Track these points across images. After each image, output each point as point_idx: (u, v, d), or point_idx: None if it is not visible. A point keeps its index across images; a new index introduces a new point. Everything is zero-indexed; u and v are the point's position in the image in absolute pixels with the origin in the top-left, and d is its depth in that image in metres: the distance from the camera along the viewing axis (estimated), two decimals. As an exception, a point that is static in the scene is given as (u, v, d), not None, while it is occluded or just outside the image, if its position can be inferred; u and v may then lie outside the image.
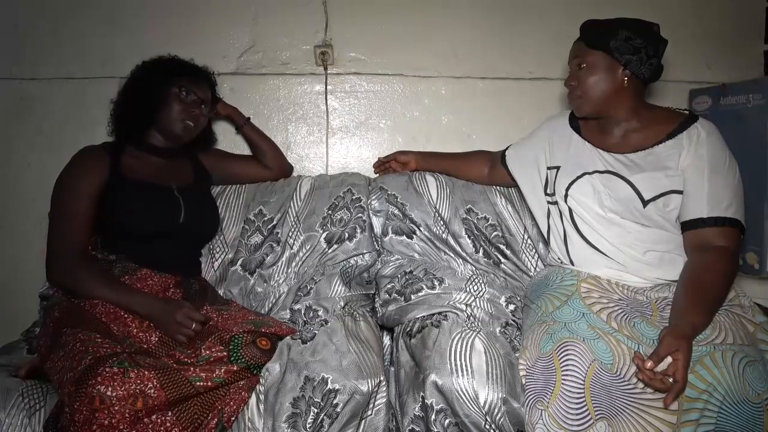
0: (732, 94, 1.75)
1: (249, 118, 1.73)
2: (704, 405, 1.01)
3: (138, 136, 1.47)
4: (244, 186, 1.72)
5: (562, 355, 1.10)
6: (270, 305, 1.56)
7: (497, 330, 1.34)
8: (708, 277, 1.16)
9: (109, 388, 1.01)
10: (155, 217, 1.40)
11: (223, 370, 1.16)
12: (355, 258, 1.63)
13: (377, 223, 1.67)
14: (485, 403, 1.13)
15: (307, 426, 1.14)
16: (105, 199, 1.36)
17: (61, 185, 1.36)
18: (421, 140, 1.95)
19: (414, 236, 1.64)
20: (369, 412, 1.19)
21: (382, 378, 1.20)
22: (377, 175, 1.84)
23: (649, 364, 1.01)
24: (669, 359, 1.02)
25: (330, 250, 1.63)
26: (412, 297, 1.46)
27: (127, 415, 1.01)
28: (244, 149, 1.84)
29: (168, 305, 1.26)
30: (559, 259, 1.41)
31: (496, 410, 1.13)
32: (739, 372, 1.03)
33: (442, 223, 1.64)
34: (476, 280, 1.53)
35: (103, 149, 1.43)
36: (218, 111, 1.67)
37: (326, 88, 1.93)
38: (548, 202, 1.43)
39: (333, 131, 1.95)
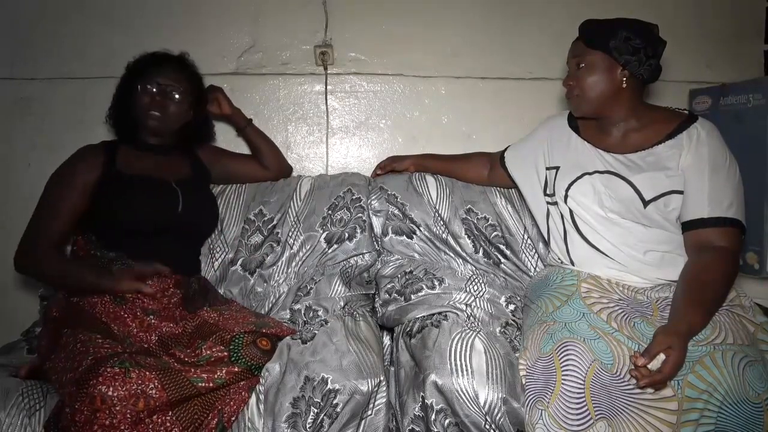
0: (732, 94, 1.75)
1: (251, 120, 1.72)
2: (704, 405, 1.01)
3: (129, 136, 1.48)
4: (244, 186, 1.72)
5: (563, 355, 1.10)
6: (270, 305, 1.56)
7: (497, 330, 1.34)
8: (708, 277, 1.16)
9: (111, 388, 1.00)
10: (153, 208, 1.39)
11: (224, 371, 1.16)
12: (355, 258, 1.63)
13: (377, 223, 1.67)
14: (485, 403, 1.13)
15: (307, 426, 1.14)
16: (101, 194, 1.37)
17: (51, 179, 1.39)
18: (421, 140, 1.95)
19: (414, 236, 1.64)
20: (369, 412, 1.19)
21: (382, 378, 1.20)
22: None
23: (641, 361, 1.01)
24: (662, 356, 1.02)
25: (330, 250, 1.63)
26: (412, 297, 1.46)
27: (128, 415, 1.01)
28: (244, 148, 1.84)
29: (113, 281, 1.29)
30: (559, 259, 1.41)
31: (496, 410, 1.13)
32: (739, 372, 1.03)
33: (442, 223, 1.64)
34: (476, 280, 1.53)
35: (100, 147, 1.44)
36: (220, 108, 1.65)
37: (326, 88, 1.93)
38: (548, 203, 1.43)
39: (333, 131, 1.95)
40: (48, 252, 1.33)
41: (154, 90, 1.45)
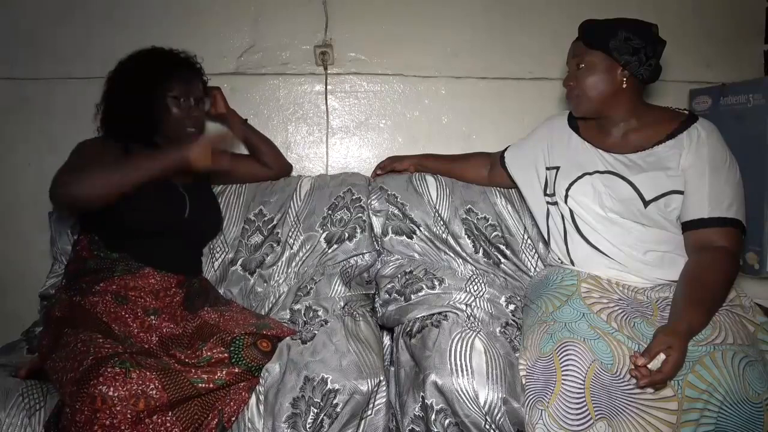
0: (732, 94, 1.75)
1: (246, 120, 1.71)
2: (704, 405, 1.01)
3: (145, 140, 1.44)
4: (244, 186, 1.72)
5: (562, 355, 1.10)
6: (270, 305, 1.56)
7: (497, 330, 1.34)
8: (708, 277, 1.16)
9: (111, 388, 1.01)
10: (161, 212, 1.39)
11: (224, 372, 1.16)
12: (355, 258, 1.63)
13: (377, 223, 1.67)
14: (485, 403, 1.13)
15: (307, 426, 1.14)
16: None
17: (76, 149, 1.37)
18: (421, 140, 1.95)
19: (414, 236, 1.64)
20: (369, 412, 1.19)
21: (381, 378, 1.20)
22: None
23: (641, 360, 1.01)
24: (662, 356, 1.02)
25: (330, 250, 1.63)
26: (412, 297, 1.46)
27: (128, 415, 1.01)
28: (242, 150, 1.84)
29: (182, 151, 1.28)
30: (559, 259, 1.41)
31: (496, 410, 1.13)
32: (739, 372, 1.03)
33: (442, 223, 1.64)
34: (476, 280, 1.53)
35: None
36: (216, 107, 1.64)
37: (326, 88, 1.93)
38: (548, 203, 1.43)
39: (333, 131, 1.95)
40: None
41: (189, 107, 1.43)
